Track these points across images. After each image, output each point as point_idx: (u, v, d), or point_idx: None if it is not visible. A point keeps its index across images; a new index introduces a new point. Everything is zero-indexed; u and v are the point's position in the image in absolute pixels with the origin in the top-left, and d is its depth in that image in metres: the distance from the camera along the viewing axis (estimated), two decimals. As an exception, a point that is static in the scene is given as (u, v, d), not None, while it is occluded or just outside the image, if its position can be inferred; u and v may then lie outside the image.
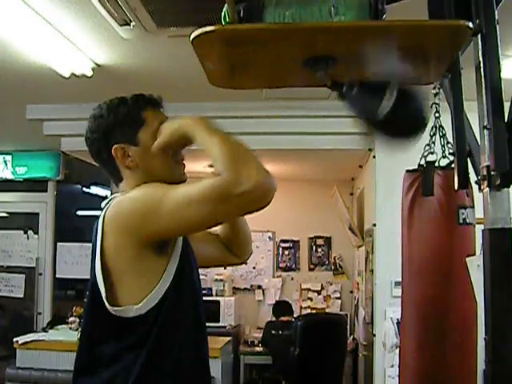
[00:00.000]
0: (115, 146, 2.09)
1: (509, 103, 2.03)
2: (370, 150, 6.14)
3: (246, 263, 2.61)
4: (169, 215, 1.85)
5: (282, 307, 8.00)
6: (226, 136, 1.89)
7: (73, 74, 4.75)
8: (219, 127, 1.94)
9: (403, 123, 2.05)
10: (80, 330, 2.16)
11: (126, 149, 2.10)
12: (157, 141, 2.07)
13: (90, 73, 4.75)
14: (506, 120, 1.99)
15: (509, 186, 1.96)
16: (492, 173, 1.96)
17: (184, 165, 2.20)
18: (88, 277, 2.03)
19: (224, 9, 1.94)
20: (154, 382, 1.96)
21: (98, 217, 2.04)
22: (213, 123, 1.96)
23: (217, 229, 2.49)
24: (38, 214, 7.22)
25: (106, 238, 1.96)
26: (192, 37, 1.86)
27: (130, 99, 2.15)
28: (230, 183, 1.76)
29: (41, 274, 7.12)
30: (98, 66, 4.74)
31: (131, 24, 3.88)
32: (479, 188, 2.04)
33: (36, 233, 7.20)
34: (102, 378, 1.98)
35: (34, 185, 7.17)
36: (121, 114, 2.11)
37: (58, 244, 7.10)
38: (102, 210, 2.05)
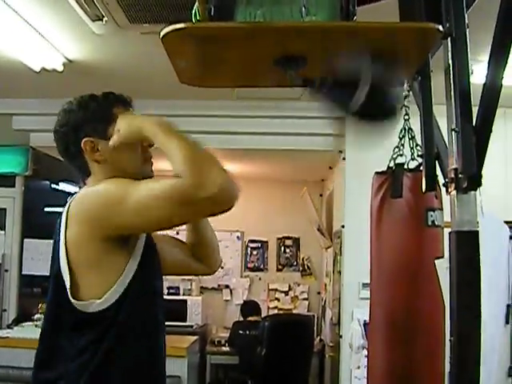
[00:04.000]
0: (85, 139, 2.09)
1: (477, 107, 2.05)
2: (340, 151, 6.16)
3: (212, 273, 2.59)
4: (131, 210, 1.86)
5: (249, 307, 8.01)
6: (185, 138, 1.89)
7: (43, 69, 4.71)
8: (178, 129, 1.94)
9: (376, 110, 2.05)
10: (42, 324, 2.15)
11: (96, 143, 2.09)
12: (114, 137, 2.07)
13: (60, 68, 4.71)
14: (473, 123, 2.01)
15: (476, 189, 1.98)
16: (459, 175, 1.97)
17: (152, 162, 2.21)
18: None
19: (195, 6, 1.93)
20: (107, 379, 1.96)
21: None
22: (172, 125, 1.96)
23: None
24: (5, 209, 7.14)
25: (69, 231, 1.96)
26: (162, 34, 1.85)
27: (100, 96, 2.15)
28: (192, 187, 1.76)
29: (7, 271, 7.04)
30: (70, 61, 4.71)
31: (104, 19, 3.87)
32: (447, 191, 2.06)
33: (3, 229, 7.12)
34: (59, 371, 1.97)
35: (2, 180, 7.08)
36: (91, 109, 2.11)
37: (25, 240, 7.02)
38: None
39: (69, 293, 1.94)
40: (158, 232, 2.25)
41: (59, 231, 1.99)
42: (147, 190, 1.87)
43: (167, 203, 1.81)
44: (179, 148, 1.85)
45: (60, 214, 2.03)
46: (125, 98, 2.19)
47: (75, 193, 2.08)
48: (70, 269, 1.95)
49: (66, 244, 1.96)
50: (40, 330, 2.10)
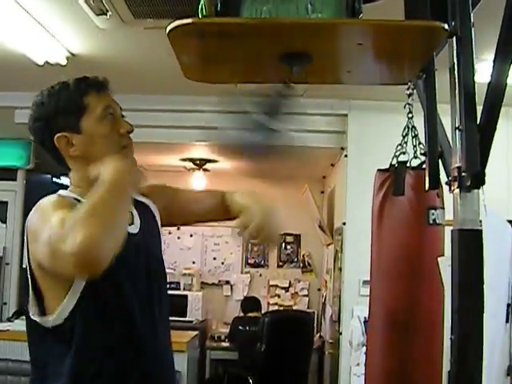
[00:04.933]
0: (58, 134, 1.99)
1: (481, 106, 2.05)
2: (342, 148, 6.16)
3: None
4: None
5: (250, 303, 8.02)
6: (105, 194, 1.72)
7: (47, 63, 4.71)
8: (121, 186, 1.79)
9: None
10: None
11: (69, 137, 2.00)
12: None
13: (64, 62, 4.71)
14: (477, 122, 2.01)
15: (479, 188, 1.98)
16: (463, 174, 1.97)
17: (131, 150, 2.09)
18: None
19: (201, 2, 1.93)
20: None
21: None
22: (122, 179, 1.80)
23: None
24: (6, 202, 7.15)
25: (28, 247, 1.92)
26: (168, 29, 1.85)
27: (72, 84, 2.03)
28: (59, 236, 1.63)
29: (8, 264, 7.05)
30: (73, 55, 4.71)
31: (108, 14, 3.86)
32: (449, 189, 2.06)
33: (4, 222, 7.13)
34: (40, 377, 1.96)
35: (4, 173, 7.08)
36: (62, 101, 2.00)
37: (26, 234, 7.03)
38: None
39: (30, 310, 1.92)
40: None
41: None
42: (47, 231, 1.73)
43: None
44: (93, 198, 1.71)
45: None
46: (99, 81, 2.06)
47: (58, 184, 2.04)
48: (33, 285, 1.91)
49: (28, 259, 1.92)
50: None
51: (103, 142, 2.01)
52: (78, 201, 1.94)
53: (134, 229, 2.07)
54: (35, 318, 1.91)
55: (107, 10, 3.82)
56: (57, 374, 1.89)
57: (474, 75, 2.03)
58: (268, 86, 2.11)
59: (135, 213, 2.13)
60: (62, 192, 2.04)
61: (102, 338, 1.91)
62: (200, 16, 1.90)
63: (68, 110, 2.00)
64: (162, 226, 2.27)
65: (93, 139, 2.00)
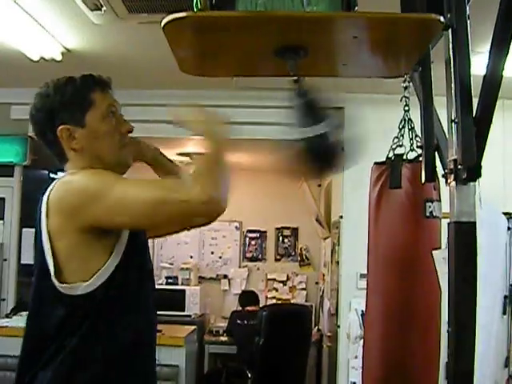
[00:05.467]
0: (61, 126, 2.02)
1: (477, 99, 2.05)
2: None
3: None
4: (109, 209, 1.85)
5: (248, 297, 8.03)
6: (221, 169, 1.90)
7: (42, 58, 4.70)
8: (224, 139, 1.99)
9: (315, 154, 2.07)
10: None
11: (72, 130, 2.02)
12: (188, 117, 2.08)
13: (59, 57, 4.71)
14: (473, 114, 2.01)
15: (475, 180, 1.98)
16: (459, 166, 1.97)
17: (130, 149, 2.15)
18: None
19: (196, -5, 1.92)
20: (91, 361, 1.92)
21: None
22: (223, 155, 1.95)
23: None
24: (3, 199, 7.13)
25: (50, 220, 1.93)
26: (163, 23, 1.85)
27: (78, 79, 2.07)
28: (196, 205, 1.79)
29: (5, 260, 7.04)
30: (68, 50, 4.71)
31: (102, 9, 3.86)
32: (446, 181, 2.06)
33: (1, 218, 7.11)
34: (44, 360, 1.93)
35: (0, 170, 7.07)
36: (68, 94, 2.04)
37: (24, 230, 7.00)
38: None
39: (53, 278, 1.90)
40: None
41: (40, 219, 1.95)
42: (133, 192, 1.87)
43: (155, 212, 1.84)
44: (207, 159, 1.91)
45: (40, 201, 1.99)
46: (104, 79, 2.11)
47: (55, 179, 2.02)
48: (55, 257, 1.90)
49: (48, 232, 1.92)
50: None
51: (105, 139, 2.05)
52: None
53: None
54: (61, 285, 1.90)
55: (102, 5, 3.82)
56: (83, 355, 1.91)
57: (469, 68, 2.03)
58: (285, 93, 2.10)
59: None
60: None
61: (125, 314, 1.99)
62: (195, 9, 1.90)
63: (74, 104, 2.03)
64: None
65: (95, 134, 2.04)
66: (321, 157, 2.06)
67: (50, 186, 1.99)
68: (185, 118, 2.08)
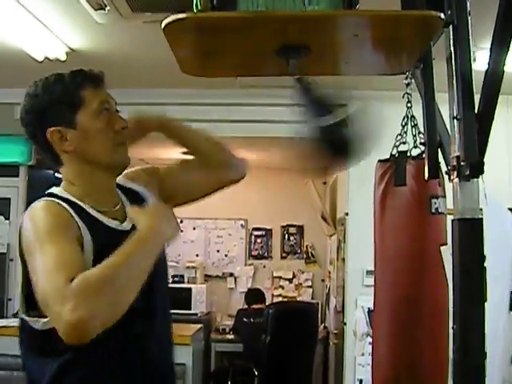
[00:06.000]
0: (51, 128, 1.92)
1: (479, 95, 2.05)
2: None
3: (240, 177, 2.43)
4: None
5: (254, 295, 8.03)
6: (127, 258, 1.64)
7: (46, 58, 4.71)
8: (149, 246, 1.73)
9: (333, 143, 2.04)
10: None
11: (63, 132, 1.92)
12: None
13: (63, 57, 4.72)
14: (476, 111, 2.01)
15: (478, 177, 1.98)
16: (462, 163, 1.97)
17: (127, 147, 2.04)
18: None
19: (196, -4, 1.92)
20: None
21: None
22: (153, 245, 1.74)
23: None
24: (9, 199, 7.14)
25: (21, 250, 1.88)
26: (163, 24, 1.85)
27: (67, 76, 1.95)
28: (59, 293, 1.55)
29: (12, 260, 7.05)
30: (72, 50, 4.72)
31: (106, 8, 3.86)
32: (449, 178, 2.06)
33: (7, 218, 7.12)
34: None
35: (6, 170, 7.08)
36: (57, 94, 1.93)
37: (30, 230, 7.03)
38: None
39: (21, 308, 1.88)
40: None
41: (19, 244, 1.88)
42: (42, 270, 1.67)
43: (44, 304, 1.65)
44: (116, 261, 1.62)
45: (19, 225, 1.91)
46: (95, 74, 1.99)
47: (58, 178, 1.98)
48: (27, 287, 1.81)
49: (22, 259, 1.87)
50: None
51: (98, 138, 1.94)
52: (70, 202, 1.89)
53: (127, 225, 1.98)
54: (28, 318, 1.86)
55: (105, 5, 3.83)
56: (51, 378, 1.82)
57: (471, 64, 2.03)
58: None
59: (127, 203, 2.06)
60: (54, 190, 1.97)
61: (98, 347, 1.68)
62: (195, 10, 1.90)
63: (63, 103, 1.93)
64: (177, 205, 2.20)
65: (88, 135, 1.93)
66: (336, 146, 2.01)
67: (23, 214, 1.90)
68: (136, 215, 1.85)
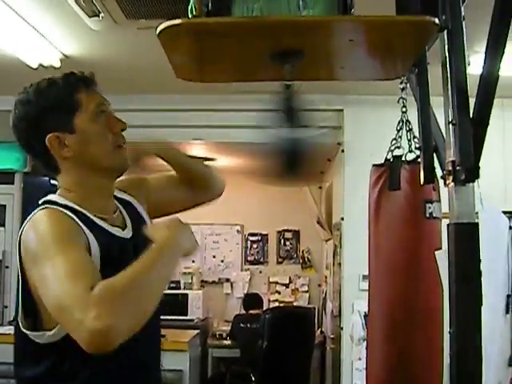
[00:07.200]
0: (49, 135, 1.85)
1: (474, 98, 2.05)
2: (338, 143, 6.15)
3: (218, 197, 2.45)
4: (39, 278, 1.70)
5: (252, 300, 8.03)
6: (146, 270, 1.61)
7: (41, 65, 4.71)
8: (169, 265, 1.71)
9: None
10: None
11: (62, 137, 1.86)
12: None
13: (58, 64, 4.72)
14: (471, 116, 2.01)
15: (473, 181, 1.98)
16: (457, 168, 1.97)
17: (126, 149, 1.98)
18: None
19: (191, 1, 1.92)
20: None
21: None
22: (172, 259, 1.73)
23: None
24: (4, 206, 7.13)
25: (22, 262, 1.84)
26: (158, 30, 1.84)
27: (60, 80, 1.89)
28: (80, 302, 1.51)
29: (7, 267, 7.03)
30: (67, 57, 4.72)
31: (100, 15, 3.87)
32: (444, 183, 2.06)
33: (2, 225, 7.11)
34: None
35: (1, 177, 7.06)
36: (51, 98, 1.86)
37: (25, 236, 7.01)
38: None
39: (20, 322, 1.84)
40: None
41: (18, 256, 1.86)
42: (53, 279, 1.62)
43: (57, 314, 1.61)
44: (136, 270, 1.59)
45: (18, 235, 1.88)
46: (87, 76, 1.93)
47: (54, 186, 1.94)
48: (26, 300, 1.82)
49: (22, 273, 1.85)
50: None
51: (98, 141, 1.89)
52: (72, 210, 1.84)
53: (128, 233, 1.98)
54: (30, 333, 1.82)
55: (99, 12, 3.83)
56: None
57: (465, 69, 2.04)
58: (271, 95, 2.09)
59: (124, 213, 2.04)
60: (52, 197, 1.91)
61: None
62: (190, 16, 1.90)
63: (59, 108, 1.87)
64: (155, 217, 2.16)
65: (87, 138, 1.88)
66: (289, 160, 2.08)
67: (24, 224, 1.86)
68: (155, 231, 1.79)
